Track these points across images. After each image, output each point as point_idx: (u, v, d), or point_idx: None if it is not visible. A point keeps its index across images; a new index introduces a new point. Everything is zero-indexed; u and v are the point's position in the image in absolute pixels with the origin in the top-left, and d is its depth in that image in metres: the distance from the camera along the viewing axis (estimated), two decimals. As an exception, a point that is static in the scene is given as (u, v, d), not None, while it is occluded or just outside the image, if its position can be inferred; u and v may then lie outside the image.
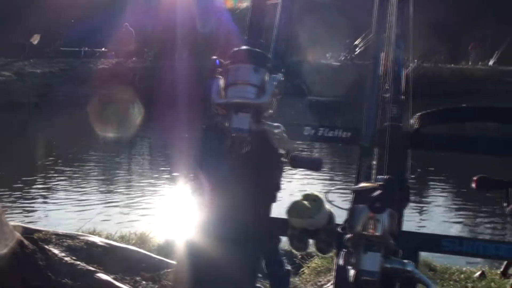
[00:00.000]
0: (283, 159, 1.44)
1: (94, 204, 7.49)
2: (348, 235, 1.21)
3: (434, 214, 7.79)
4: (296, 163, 1.42)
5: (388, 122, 1.65)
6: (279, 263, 1.53)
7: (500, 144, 1.50)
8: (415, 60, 20.15)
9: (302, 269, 4.33)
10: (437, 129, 1.55)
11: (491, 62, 23.69)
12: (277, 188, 1.51)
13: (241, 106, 1.31)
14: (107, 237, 4.10)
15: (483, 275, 4.72)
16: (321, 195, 1.45)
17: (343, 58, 21.71)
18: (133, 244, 4.04)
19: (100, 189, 8.54)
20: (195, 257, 1.43)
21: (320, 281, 3.97)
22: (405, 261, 1.24)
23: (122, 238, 4.46)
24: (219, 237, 1.41)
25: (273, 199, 1.51)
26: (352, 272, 1.18)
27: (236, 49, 1.38)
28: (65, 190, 8.32)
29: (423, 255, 4.27)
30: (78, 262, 3.06)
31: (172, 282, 3.07)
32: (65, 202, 7.64)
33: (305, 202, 1.42)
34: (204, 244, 1.43)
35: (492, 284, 4.49)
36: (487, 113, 1.43)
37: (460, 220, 7.64)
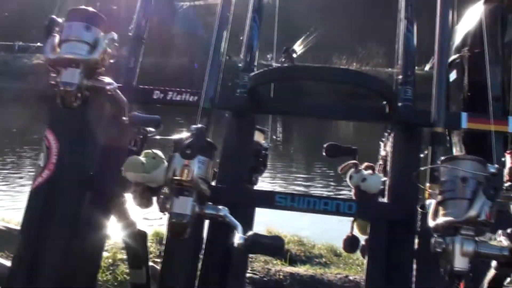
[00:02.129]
0: (123, 118, 1.49)
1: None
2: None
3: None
4: (134, 120, 1.48)
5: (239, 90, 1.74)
6: None
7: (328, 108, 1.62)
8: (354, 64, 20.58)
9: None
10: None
11: (427, 67, 24.33)
12: (123, 149, 1.56)
13: (71, 62, 1.36)
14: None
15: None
16: (161, 154, 1.51)
17: (283, 60, 21.92)
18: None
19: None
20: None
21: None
22: (220, 207, 1.31)
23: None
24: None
25: (120, 158, 1.55)
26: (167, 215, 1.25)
27: (71, 8, 1.43)
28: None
29: (329, 240, 4.41)
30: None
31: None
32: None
33: (142, 158, 1.48)
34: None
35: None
36: (318, 73, 1.51)
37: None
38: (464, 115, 1.60)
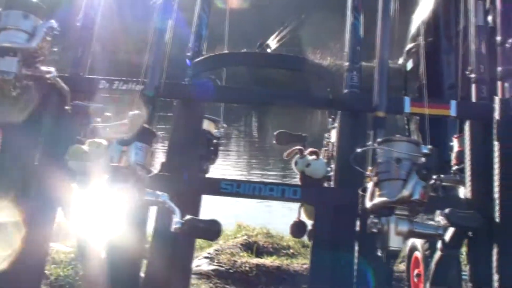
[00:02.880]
0: (66, 108, 1.49)
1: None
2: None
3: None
4: (76, 109, 1.48)
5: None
6: None
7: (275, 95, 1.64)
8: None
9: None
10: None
11: (400, 61, 24.55)
12: (69, 139, 1.55)
13: (9, 50, 1.35)
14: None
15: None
16: (105, 143, 1.51)
17: (257, 54, 22.02)
18: None
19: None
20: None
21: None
22: (159, 193, 1.32)
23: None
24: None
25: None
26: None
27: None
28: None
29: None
30: None
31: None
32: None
33: (85, 147, 1.47)
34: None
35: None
36: (260, 59, 1.53)
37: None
38: (407, 100, 1.62)
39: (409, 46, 2.88)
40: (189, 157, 1.62)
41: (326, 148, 1.74)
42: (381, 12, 1.61)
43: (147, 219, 1.48)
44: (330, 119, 1.75)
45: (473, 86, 1.71)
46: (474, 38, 1.73)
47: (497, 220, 1.43)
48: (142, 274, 1.48)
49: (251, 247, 4.12)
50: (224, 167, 7.71)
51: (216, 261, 3.71)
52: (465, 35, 1.84)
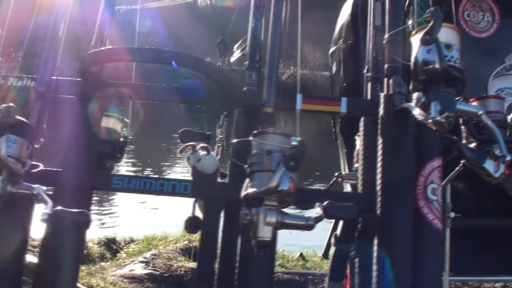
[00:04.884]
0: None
1: None
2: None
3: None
4: None
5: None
6: None
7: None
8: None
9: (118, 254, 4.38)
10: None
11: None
12: None
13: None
14: None
15: (301, 256, 4.98)
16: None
17: (220, 64, 22.09)
18: None
19: None
20: None
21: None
22: (34, 185, 1.32)
23: None
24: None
25: None
26: None
27: None
28: None
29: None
30: None
31: None
32: None
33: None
34: None
35: (308, 264, 4.73)
36: (149, 55, 1.53)
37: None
38: (299, 97, 1.65)
39: (331, 49, 2.94)
40: (81, 153, 1.62)
41: (219, 144, 1.76)
42: (272, 14, 1.64)
43: (31, 212, 1.47)
44: (222, 116, 1.77)
45: (369, 85, 1.75)
46: (372, 37, 1.78)
47: (378, 213, 1.47)
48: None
49: (190, 252, 4.12)
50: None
51: (151, 265, 3.70)
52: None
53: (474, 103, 1.71)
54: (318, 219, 1.31)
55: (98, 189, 1.59)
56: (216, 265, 1.54)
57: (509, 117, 1.70)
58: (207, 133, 1.86)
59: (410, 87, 1.43)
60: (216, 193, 1.57)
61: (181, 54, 1.51)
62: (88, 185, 1.57)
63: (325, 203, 1.31)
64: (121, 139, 1.91)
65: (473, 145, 1.63)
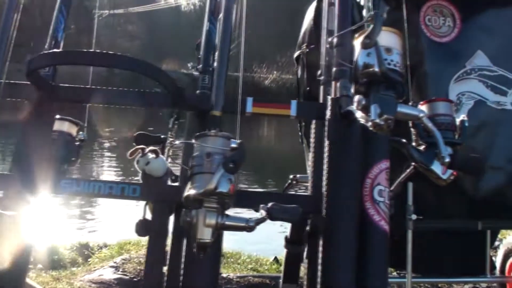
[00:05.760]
0: None
1: None
2: None
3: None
4: None
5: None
6: None
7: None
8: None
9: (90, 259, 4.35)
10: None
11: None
12: None
13: None
14: None
15: (275, 260, 4.99)
16: None
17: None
18: None
19: None
20: None
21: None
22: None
23: None
24: None
25: None
26: None
27: None
28: None
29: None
30: None
31: None
32: None
33: None
34: None
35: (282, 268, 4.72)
36: (99, 59, 1.52)
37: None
38: (249, 100, 1.66)
39: (296, 54, 2.96)
40: (32, 157, 1.61)
41: (169, 147, 1.77)
42: (222, 17, 1.66)
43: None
44: (172, 119, 1.78)
45: (321, 88, 1.76)
46: (325, 41, 1.80)
47: (324, 214, 1.48)
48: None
49: (162, 256, 4.09)
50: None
51: (121, 270, 3.68)
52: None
53: (423, 106, 1.73)
54: (259, 221, 1.32)
55: (46, 193, 1.58)
56: (165, 268, 1.55)
57: (458, 120, 1.73)
58: (162, 136, 1.87)
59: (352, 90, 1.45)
60: (164, 196, 1.58)
61: (129, 58, 1.51)
62: (36, 188, 1.57)
63: (269, 205, 1.32)
64: (77, 143, 1.91)
65: (422, 147, 1.65)
